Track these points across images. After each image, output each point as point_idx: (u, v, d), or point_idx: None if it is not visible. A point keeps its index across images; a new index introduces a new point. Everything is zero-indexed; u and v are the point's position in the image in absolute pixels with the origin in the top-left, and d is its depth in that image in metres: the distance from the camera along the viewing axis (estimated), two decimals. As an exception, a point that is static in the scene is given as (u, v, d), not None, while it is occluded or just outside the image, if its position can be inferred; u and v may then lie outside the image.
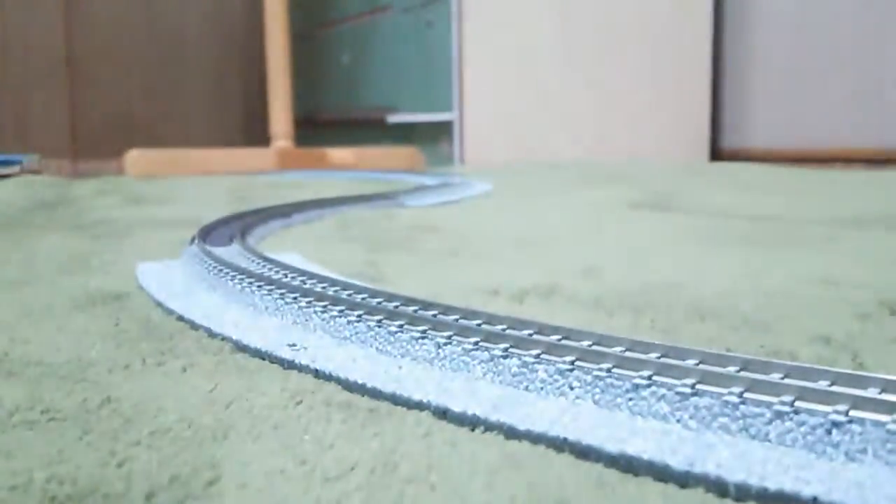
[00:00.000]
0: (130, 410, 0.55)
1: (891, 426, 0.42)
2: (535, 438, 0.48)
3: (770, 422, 0.45)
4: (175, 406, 0.56)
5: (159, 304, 0.88)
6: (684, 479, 0.42)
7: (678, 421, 0.48)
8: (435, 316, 0.67)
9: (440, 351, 0.61)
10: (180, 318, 0.82)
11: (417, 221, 1.68)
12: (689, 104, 3.59)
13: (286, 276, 0.87)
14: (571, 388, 0.52)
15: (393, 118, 4.16)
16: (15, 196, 2.28)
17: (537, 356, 0.56)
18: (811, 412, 0.45)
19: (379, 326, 0.66)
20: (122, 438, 0.50)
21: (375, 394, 0.57)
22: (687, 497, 0.41)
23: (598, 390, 0.51)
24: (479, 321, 0.65)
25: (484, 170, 3.16)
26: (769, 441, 0.44)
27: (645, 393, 0.50)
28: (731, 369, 0.51)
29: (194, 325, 0.78)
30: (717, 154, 3.58)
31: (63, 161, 3.79)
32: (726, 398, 0.47)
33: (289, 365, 0.65)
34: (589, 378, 0.52)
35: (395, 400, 0.56)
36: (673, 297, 0.89)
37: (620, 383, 0.51)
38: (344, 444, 0.48)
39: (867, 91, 3.09)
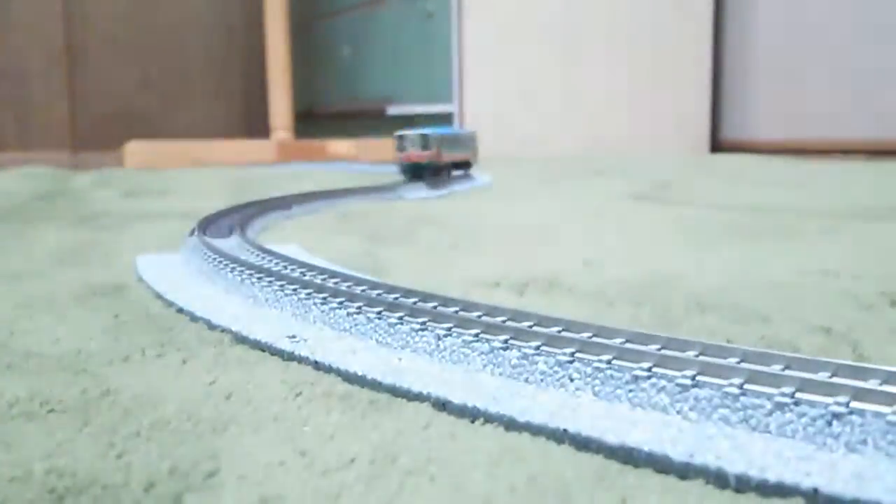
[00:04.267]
0: (130, 402, 0.55)
1: (891, 417, 0.42)
2: (535, 430, 0.48)
3: (770, 413, 0.45)
4: (174, 398, 0.56)
5: (159, 296, 0.88)
6: (684, 471, 0.42)
7: (678, 412, 0.47)
8: (435, 307, 0.67)
9: (440, 343, 0.60)
10: (180, 310, 0.81)
11: (417, 213, 1.67)
12: (689, 96, 3.58)
13: (286, 268, 0.87)
14: (571, 380, 0.52)
15: (393, 109, 4.16)
16: (15, 188, 2.28)
17: (537, 348, 0.56)
18: (811, 403, 0.45)
19: (379, 318, 0.66)
20: (121, 430, 0.50)
21: (375, 385, 0.57)
22: (687, 488, 0.41)
23: (598, 382, 0.51)
24: (478, 313, 0.65)
25: (483, 161, 3.16)
26: (769, 432, 0.44)
27: (645, 384, 0.50)
28: (732, 361, 0.51)
29: (194, 317, 0.78)
30: (717, 146, 3.58)
31: (62, 153, 3.78)
32: (726, 389, 0.47)
33: (288, 357, 0.65)
34: (589, 370, 0.52)
35: (395, 391, 0.56)
36: (673, 288, 0.89)
37: (620, 375, 0.51)
38: (344, 435, 0.48)
39: (866, 82, 3.09)
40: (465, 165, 2.50)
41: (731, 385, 0.47)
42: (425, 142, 2.27)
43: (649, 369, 0.50)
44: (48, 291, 0.92)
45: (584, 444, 0.46)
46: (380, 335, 0.65)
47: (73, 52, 4.01)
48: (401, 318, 0.65)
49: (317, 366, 0.62)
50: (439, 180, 2.26)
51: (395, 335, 0.64)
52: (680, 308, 0.80)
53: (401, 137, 2.28)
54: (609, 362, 0.52)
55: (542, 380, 0.54)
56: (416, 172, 2.27)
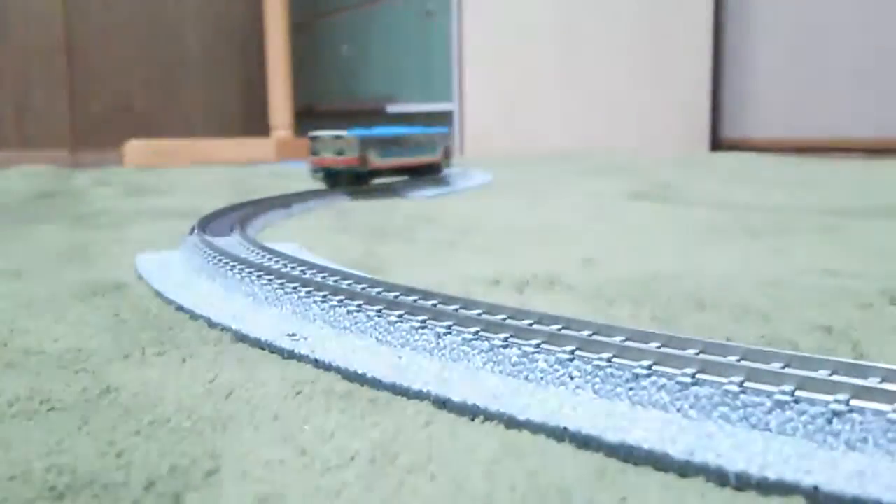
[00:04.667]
0: (130, 401, 0.55)
1: (891, 415, 0.42)
2: (536, 428, 0.48)
3: (770, 411, 0.45)
4: (175, 396, 0.56)
5: (159, 295, 0.88)
6: (684, 469, 0.42)
7: (678, 410, 0.47)
8: (435, 306, 0.67)
9: (440, 341, 0.60)
10: (180, 309, 0.81)
11: (417, 211, 1.67)
12: (689, 94, 3.58)
13: (286, 266, 0.87)
14: (571, 378, 0.52)
15: (392, 108, 4.16)
16: (15, 186, 2.28)
17: (537, 346, 0.56)
18: (812, 401, 0.45)
19: (379, 316, 0.66)
20: (121, 429, 0.50)
21: (375, 384, 0.57)
22: (687, 486, 0.41)
23: (598, 380, 0.51)
24: (479, 311, 0.65)
25: (484, 160, 3.16)
26: (770, 430, 0.44)
27: (645, 382, 0.50)
28: (732, 359, 0.51)
29: (194, 316, 0.78)
30: (717, 144, 3.58)
31: (62, 151, 3.78)
32: (727, 388, 0.47)
33: (288, 355, 0.65)
34: (589, 368, 0.52)
35: (395, 390, 0.56)
36: (673, 286, 0.89)
37: (621, 373, 0.51)
38: (344, 434, 0.48)
39: (867, 80, 3.09)
40: (430, 170, 2.20)
41: (731, 383, 0.47)
42: (341, 146, 1.88)
43: (649, 367, 0.50)
44: (48, 290, 0.92)
45: (584, 442, 0.46)
46: (380, 333, 0.65)
47: (72, 51, 4.01)
48: (401, 316, 0.65)
49: (317, 364, 0.62)
50: (363, 191, 1.95)
51: (396, 333, 0.64)
52: (680, 306, 0.80)
53: (314, 139, 1.92)
54: (609, 360, 0.52)
55: (542, 378, 0.54)
56: (333, 179, 1.94)
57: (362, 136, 1.90)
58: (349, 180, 1.92)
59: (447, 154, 2.28)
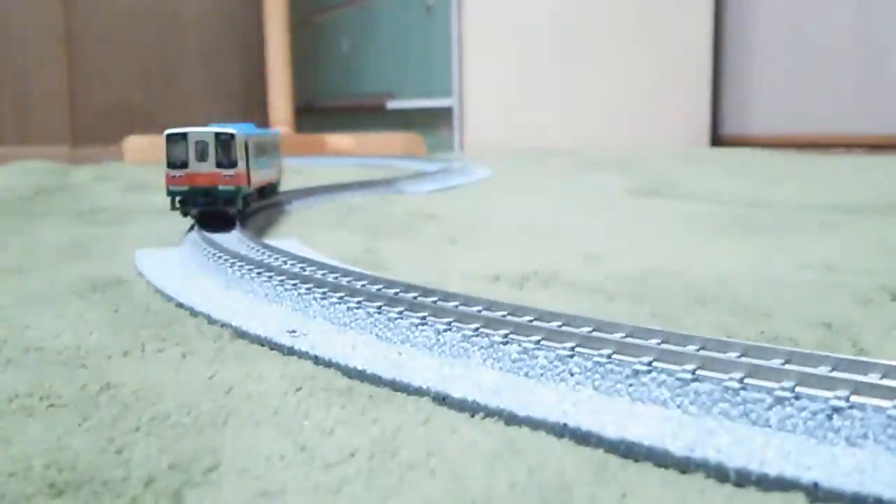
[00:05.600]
0: (130, 397, 0.55)
1: (892, 412, 0.42)
2: (536, 424, 0.48)
3: (771, 407, 0.45)
4: (174, 392, 0.56)
5: (159, 291, 0.88)
6: (684, 465, 0.42)
7: (678, 406, 0.47)
8: (434, 302, 0.67)
9: (440, 337, 0.60)
10: (180, 305, 0.81)
11: (417, 208, 1.67)
12: (689, 91, 3.58)
13: (286, 263, 0.87)
14: (571, 374, 0.52)
15: (392, 104, 4.15)
16: (14, 183, 2.28)
17: (537, 342, 0.56)
18: (812, 398, 0.45)
19: (379, 313, 0.66)
20: (121, 425, 0.50)
21: (375, 380, 0.57)
22: (687, 482, 0.41)
23: (598, 376, 0.51)
24: (478, 307, 0.65)
25: (483, 156, 3.15)
26: (770, 426, 0.44)
27: (645, 379, 0.50)
28: (732, 355, 0.51)
29: (194, 312, 0.78)
30: (717, 140, 3.57)
31: (62, 147, 3.78)
32: (727, 384, 0.47)
33: (288, 351, 0.65)
34: (589, 364, 0.52)
35: (395, 386, 0.56)
36: (673, 283, 0.89)
37: (620, 369, 0.51)
38: (344, 430, 0.48)
39: (868, 77, 3.08)
40: (269, 191, 1.47)
41: (731, 379, 0.47)
42: (228, 149, 1.12)
43: (649, 364, 0.50)
44: (48, 286, 0.92)
45: (584, 438, 0.46)
46: (380, 330, 0.65)
47: (72, 47, 4.00)
48: (401, 312, 0.65)
49: (317, 360, 0.62)
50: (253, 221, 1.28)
51: (395, 330, 0.64)
52: (680, 302, 0.80)
53: (178, 138, 1.13)
54: (609, 357, 0.52)
55: (542, 374, 0.54)
56: (207, 206, 1.13)
57: (246, 136, 1.20)
58: (233, 206, 1.15)
59: (279, 168, 1.60)
